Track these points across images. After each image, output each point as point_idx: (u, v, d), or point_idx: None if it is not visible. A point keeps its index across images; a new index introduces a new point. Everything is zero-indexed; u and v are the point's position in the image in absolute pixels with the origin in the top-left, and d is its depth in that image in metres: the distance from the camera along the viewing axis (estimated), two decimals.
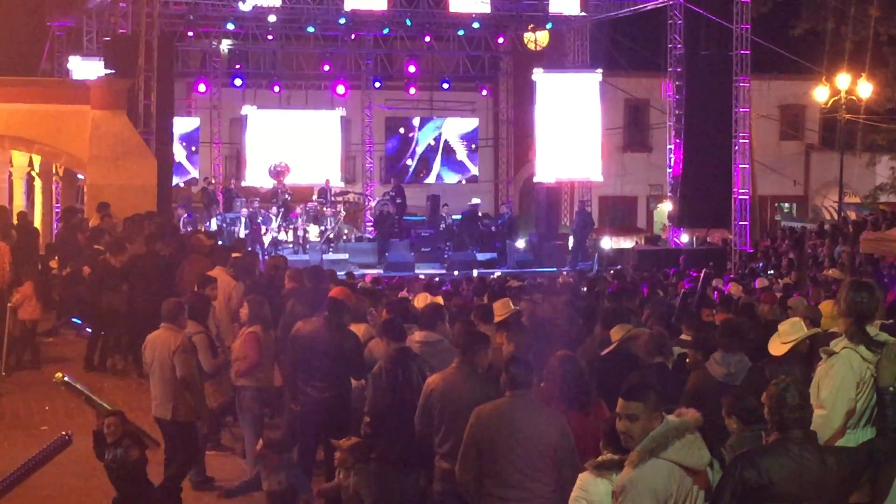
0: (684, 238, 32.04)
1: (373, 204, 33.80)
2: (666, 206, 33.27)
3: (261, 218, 28.85)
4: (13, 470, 5.46)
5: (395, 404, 8.27)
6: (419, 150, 38.74)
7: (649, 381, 6.70)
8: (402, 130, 38.79)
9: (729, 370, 7.70)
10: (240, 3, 30.03)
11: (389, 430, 8.31)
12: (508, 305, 10.80)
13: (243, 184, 33.57)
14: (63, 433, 5.69)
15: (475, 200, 32.59)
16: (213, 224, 29.02)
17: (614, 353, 9.29)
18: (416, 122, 38.68)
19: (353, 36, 34.70)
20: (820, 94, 31.50)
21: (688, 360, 8.93)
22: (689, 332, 10.05)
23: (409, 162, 38.71)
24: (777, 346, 8.48)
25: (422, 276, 23.59)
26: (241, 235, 27.88)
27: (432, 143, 38.82)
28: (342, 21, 32.22)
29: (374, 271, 26.54)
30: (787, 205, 42.99)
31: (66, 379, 9.07)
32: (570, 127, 32.17)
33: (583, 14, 32.39)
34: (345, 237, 30.97)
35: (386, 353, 8.65)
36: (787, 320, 9.10)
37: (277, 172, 30.56)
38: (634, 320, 10.55)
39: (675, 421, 5.46)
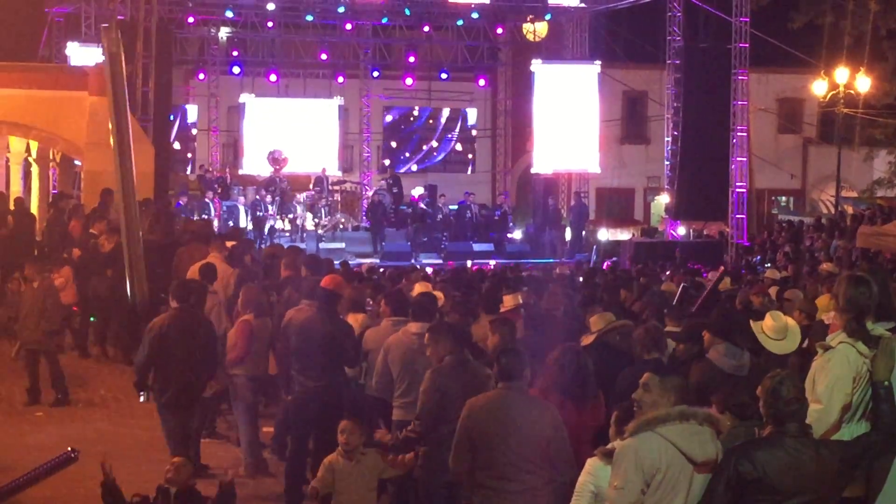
0: (681, 231, 32.05)
1: (370, 193, 33.80)
2: (663, 199, 33.27)
3: (260, 205, 28.91)
4: (9, 481, 5.37)
5: (170, 355, 9.75)
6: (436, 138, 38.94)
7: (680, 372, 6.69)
8: (410, 119, 38.95)
9: (741, 361, 7.64)
10: None
11: (165, 377, 9.84)
12: (517, 299, 10.82)
13: (241, 172, 33.56)
14: (69, 449, 5.57)
15: (418, 191, 32.08)
16: (212, 211, 29.04)
17: (602, 347, 9.23)
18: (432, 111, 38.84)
19: (351, 25, 34.64)
20: (818, 87, 31.50)
21: (676, 353, 8.86)
22: (673, 323, 9.97)
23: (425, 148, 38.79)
24: (768, 342, 8.49)
25: (418, 267, 23.58)
26: (242, 224, 27.96)
27: (438, 132, 38.97)
28: (341, 10, 32.21)
29: (371, 260, 26.53)
30: (784, 198, 43.01)
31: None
32: (568, 118, 32.14)
33: (582, 5, 32.39)
34: (341, 226, 30.97)
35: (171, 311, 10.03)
36: (773, 312, 9.07)
37: (275, 160, 30.54)
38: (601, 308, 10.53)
39: (684, 407, 5.51)
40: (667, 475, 5.39)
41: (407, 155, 39.10)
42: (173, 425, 9.93)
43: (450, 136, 39.34)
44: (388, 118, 39.10)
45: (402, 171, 37.78)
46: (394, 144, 39.19)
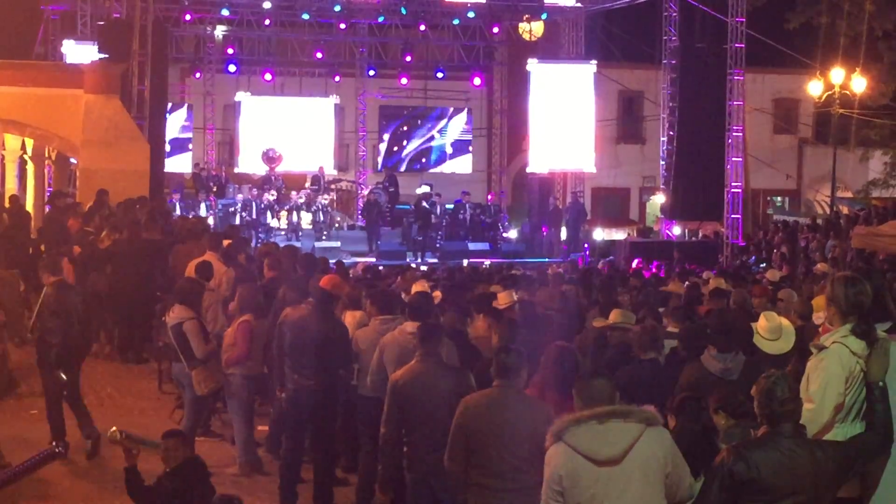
0: (676, 230, 32.07)
1: (365, 192, 33.78)
2: (658, 199, 33.29)
3: (256, 204, 28.89)
4: None
5: (63, 323, 10.97)
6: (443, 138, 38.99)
7: (636, 376, 6.62)
8: (406, 118, 38.99)
9: (726, 365, 7.60)
10: None
11: (61, 337, 10.97)
12: (512, 296, 10.82)
13: (236, 170, 33.55)
14: (53, 444, 5.59)
15: (423, 189, 32.05)
16: (203, 210, 29.03)
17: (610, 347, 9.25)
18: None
19: (346, 24, 34.60)
20: (814, 88, 31.51)
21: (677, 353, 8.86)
22: (675, 324, 9.98)
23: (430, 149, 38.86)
24: (762, 343, 8.48)
25: (413, 266, 23.58)
26: (238, 222, 27.93)
27: (433, 132, 38.95)
28: (337, 8, 32.17)
29: (366, 259, 26.52)
30: (779, 199, 43.09)
31: (124, 436, 7.80)
32: (564, 118, 32.08)
33: (578, 5, 32.35)
34: (337, 225, 30.94)
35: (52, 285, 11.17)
36: (767, 313, 9.08)
37: (270, 158, 30.51)
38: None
39: (577, 414, 5.50)
40: (575, 481, 5.42)
41: (402, 154, 39.04)
42: (49, 380, 11.07)
43: (445, 135, 39.29)
44: (384, 117, 39.04)
45: (397, 169, 37.75)
46: (389, 143, 39.10)
